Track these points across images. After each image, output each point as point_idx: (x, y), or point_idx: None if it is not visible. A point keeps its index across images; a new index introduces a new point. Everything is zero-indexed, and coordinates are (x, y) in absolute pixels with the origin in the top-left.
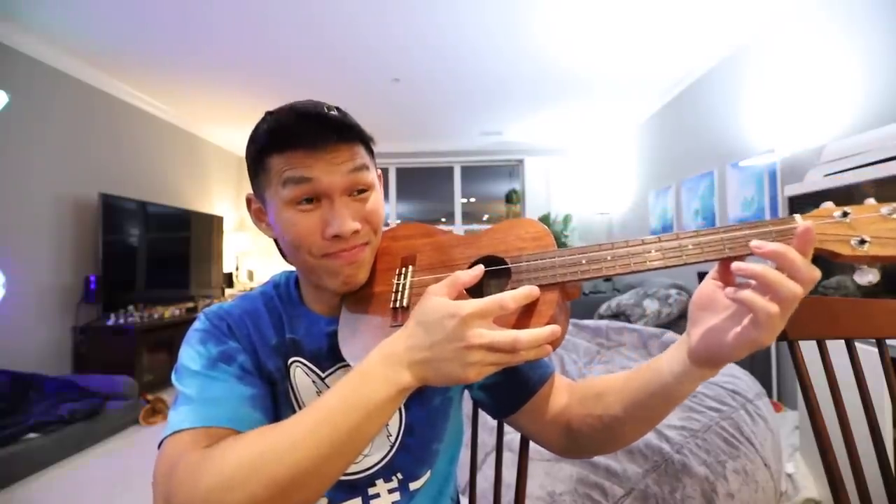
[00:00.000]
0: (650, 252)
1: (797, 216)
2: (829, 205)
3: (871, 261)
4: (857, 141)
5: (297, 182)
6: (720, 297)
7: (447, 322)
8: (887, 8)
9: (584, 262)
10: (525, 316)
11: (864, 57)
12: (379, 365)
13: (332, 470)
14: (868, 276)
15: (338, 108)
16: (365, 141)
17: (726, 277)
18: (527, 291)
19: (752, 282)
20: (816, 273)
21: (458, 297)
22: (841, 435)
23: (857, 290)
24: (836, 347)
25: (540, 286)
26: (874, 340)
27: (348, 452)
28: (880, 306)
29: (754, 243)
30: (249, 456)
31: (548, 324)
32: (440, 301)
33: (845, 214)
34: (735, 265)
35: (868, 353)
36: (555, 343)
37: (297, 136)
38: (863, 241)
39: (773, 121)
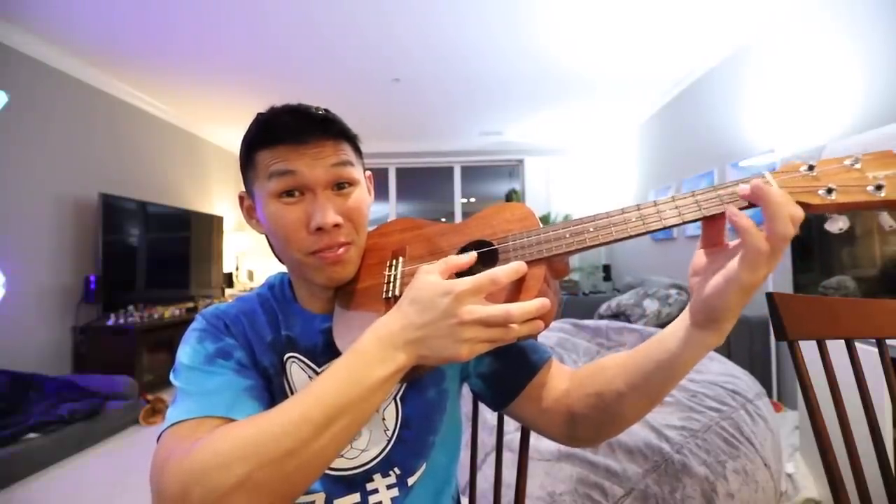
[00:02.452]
0: (631, 220)
1: (766, 172)
2: (795, 161)
3: (839, 208)
4: (857, 141)
5: (280, 174)
6: (709, 261)
7: (441, 300)
8: (887, 8)
9: (567, 235)
10: (513, 293)
11: (864, 57)
12: (373, 345)
13: (328, 451)
14: (839, 224)
15: (326, 110)
16: (351, 139)
17: (713, 239)
18: (516, 266)
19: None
20: (799, 212)
21: (451, 278)
22: (841, 435)
23: (857, 290)
24: (836, 347)
25: (527, 262)
26: (874, 340)
27: (343, 433)
28: (880, 306)
29: (742, 187)
30: (245, 437)
31: (537, 298)
32: (433, 279)
33: (811, 168)
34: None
35: (868, 353)
36: (546, 318)
37: (283, 131)
38: (830, 191)
39: (773, 121)
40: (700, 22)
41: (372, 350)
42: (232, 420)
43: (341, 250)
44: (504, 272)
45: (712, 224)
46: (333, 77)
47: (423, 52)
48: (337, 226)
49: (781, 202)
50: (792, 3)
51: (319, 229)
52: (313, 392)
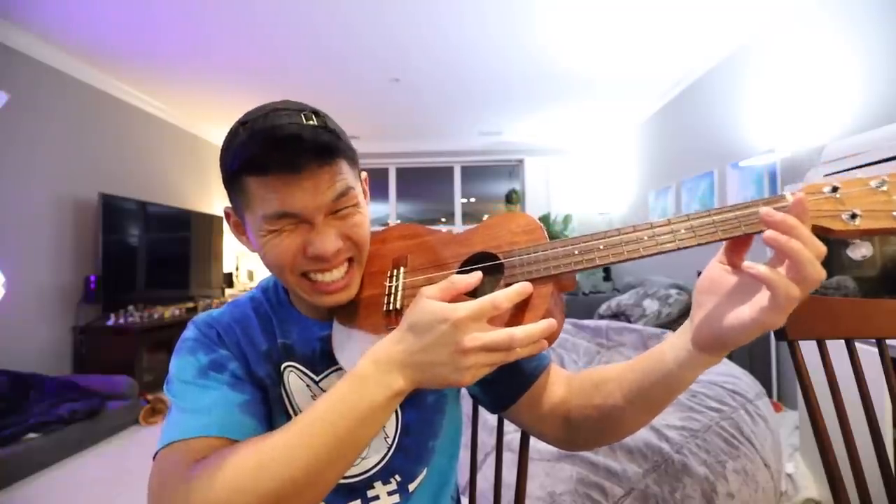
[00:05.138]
0: (643, 239)
1: (787, 193)
2: (818, 181)
3: (864, 234)
4: (857, 141)
5: (277, 218)
6: (726, 280)
7: (440, 326)
8: (887, 8)
9: (576, 252)
10: (519, 311)
11: (864, 57)
12: (371, 370)
13: (327, 479)
14: (861, 250)
15: (316, 113)
16: (347, 154)
17: (733, 260)
18: (519, 289)
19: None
20: (823, 247)
21: (454, 300)
22: (841, 435)
23: (857, 290)
24: (836, 347)
25: (533, 280)
26: (874, 340)
27: (343, 460)
28: (880, 306)
29: (764, 210)
30: (244, 467)
31: (543, 318)
32: (432, 304)
33: (835, 189)
34: (767, 234)
35: (868, 353)
36: (551, 337)
37: (274, 163)
38: (854, 216)
39: (773, 121)
40: (700, 22)
41: (369, 374)
42: (226, 439)
43: (342, 282)
44: (507, 296)
45: (738, 244)
46: (333, 77)
47: (422, 53)
48: (337, 251)
49: (806, 258)
50: (791, 3)
51: (318, 257)
52: (310, 418)
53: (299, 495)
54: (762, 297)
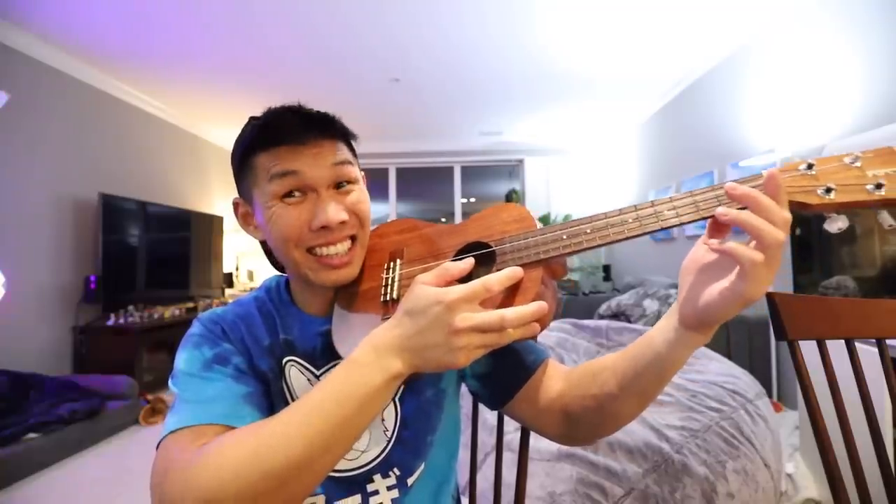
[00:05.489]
0: (627, 221)
1: (763, 171)
2: (794, 160)
3: (838, 208)
4: (857, 141)
5: (283, 176)
6: (707, 259)
7: (433, 309)
8: (887, 8)
9: (564, 237)
10: (510, 296)
11: (864, 57)
12: (369, 354)
13: (326, 461)
14: (838, 223)
15: (318, 111)
16: (348, 139)
17: (715, 238)
18: (509, 273)
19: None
20: (788, 215)
21: (448, 286)
22: (841, 435)
23: (857, 290)
24: (836, 347)
25: (524, 265)
26: (874, 340)
27: (342, 443)
28: (880, 306)
29: (729, 184)
30: (243, 451)
31: (534, 301)
32: (426, 289)
33: (810, 167)
34: (719, 210)
35: (868, 353)
36: (542, 320)
37: (282, 133)
38: (829, 190)
39: (773, 121)
40: (700, 22)
41: (368, 359)
42: (229, 427)
43: (346, 258)
44: (497, 279)
45: (719, 223)
46: (333, 77)
47: (422, 53)
48: (342, 222)
49: (757, 224)
50: (792, 3)
51: (324, 227)
52: (310, 403)
53: (298, 476)
54: (735, 272)
